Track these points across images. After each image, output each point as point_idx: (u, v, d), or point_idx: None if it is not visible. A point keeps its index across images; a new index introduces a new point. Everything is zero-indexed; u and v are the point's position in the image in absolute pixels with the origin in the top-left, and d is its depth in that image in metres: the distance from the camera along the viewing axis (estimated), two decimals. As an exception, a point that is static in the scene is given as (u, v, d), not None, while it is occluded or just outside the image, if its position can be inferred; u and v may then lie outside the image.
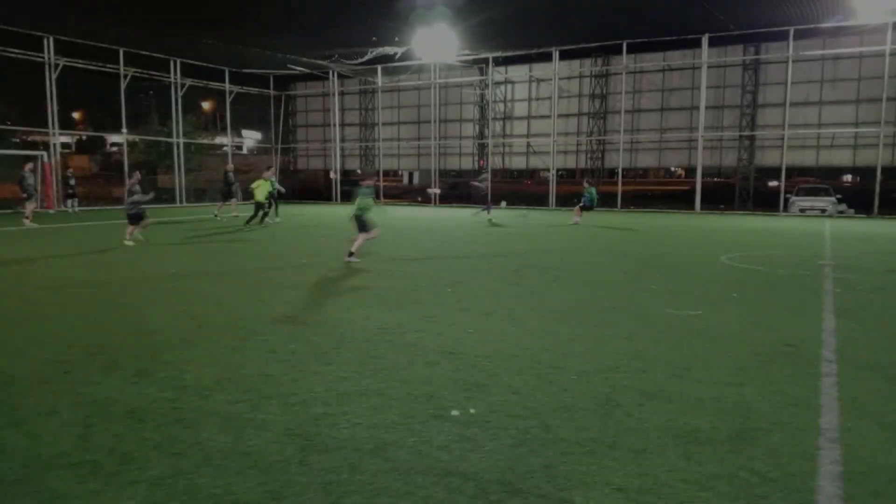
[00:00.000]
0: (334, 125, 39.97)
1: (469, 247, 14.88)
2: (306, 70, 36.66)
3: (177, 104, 34.29)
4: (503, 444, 3.82)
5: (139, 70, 32.10)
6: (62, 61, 28.94)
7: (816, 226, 22.14)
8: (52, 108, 28.80)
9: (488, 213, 23.64)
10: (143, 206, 14.95)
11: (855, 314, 7.55)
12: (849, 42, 27.56)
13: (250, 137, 46.58)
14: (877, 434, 4.02)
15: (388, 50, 31.65)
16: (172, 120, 34.20)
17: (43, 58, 28.43)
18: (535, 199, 34.51)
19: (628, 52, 31.36)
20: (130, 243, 14.60)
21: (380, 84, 37.97)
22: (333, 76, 38.68)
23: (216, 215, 23.58)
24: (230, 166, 24.61)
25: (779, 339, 6.33)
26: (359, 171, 39.18)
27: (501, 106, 36.02)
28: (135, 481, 3.34)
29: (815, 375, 5.17)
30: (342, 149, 40.42)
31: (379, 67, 36.05)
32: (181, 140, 34.48)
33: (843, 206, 28.46)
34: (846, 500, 3.19)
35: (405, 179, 54.30)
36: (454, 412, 4.32)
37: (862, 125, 27.88)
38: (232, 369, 5.27)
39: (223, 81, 36.99)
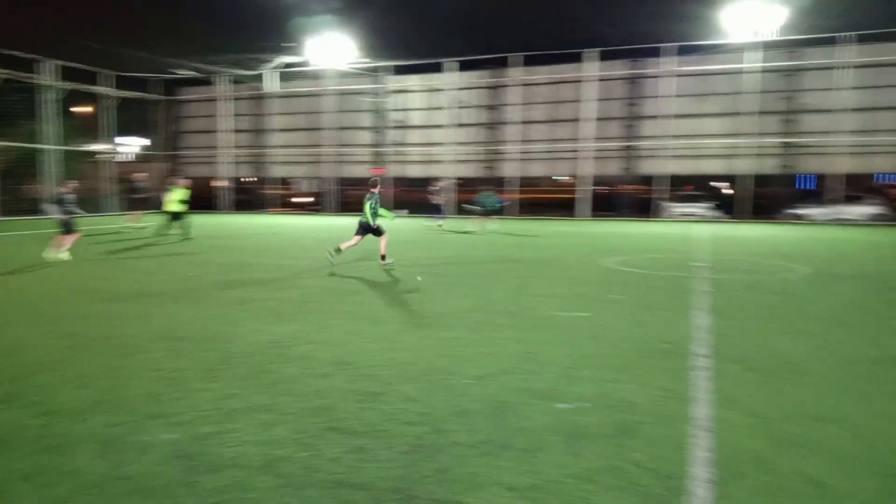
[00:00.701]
0: (223, 131, 38.62)
1: (362, 256, 14.78)
2: (193, 75, 35.27)
3: (50, 108, 31.98)
4: (397, 452, 3.82)
5: (9, 72, 29.71)
6: None
7: (692, 230, 23.67)
8: None
9: (441, 221, 24.42)
10: (72, 216, 13.95)
11: (726, 312, 8.12)
12: (720, 59, 29.73)
13: (133, 144, 44.20)
14: (744, 421, 4.35)
15: (283, 59, 31.11)
16: (48, 125, 31.83)
17: None
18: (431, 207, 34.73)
19: (519, 64, 32.35)
20: (65, 256, 13.60)
21: (270, 90, 37.10)
22: (222, 81, 37.42)
23: (143, 226, 22.20)
24: (140, 175, 23.23)
25: (657, 337, 6.71)
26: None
27: (398, 114, 36.12)
28: (-3, 516, 3.09)
29: (690, 370, 5.52)
30: (233, 155, 39.11)
31: (266, 73, 35.27)
32: (53, 147, 32.16)
33: (717, 212, 30.63)
34: (715, 483, 3.43)
35: (303, 187, 53.20)
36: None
37: (732, 136, 30.10)
38: (111, 390, 4.97)
39: (103, 85, 34.86)
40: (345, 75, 35.37)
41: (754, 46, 28.69)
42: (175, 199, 18.63)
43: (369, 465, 3.65)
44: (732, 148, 30.22)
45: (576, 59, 31.60)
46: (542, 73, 32.98)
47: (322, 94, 36.30)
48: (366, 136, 36.89)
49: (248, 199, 39.16)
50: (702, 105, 30.78)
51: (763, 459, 3.75)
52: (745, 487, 3.40)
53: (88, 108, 38.49)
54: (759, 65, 29.02)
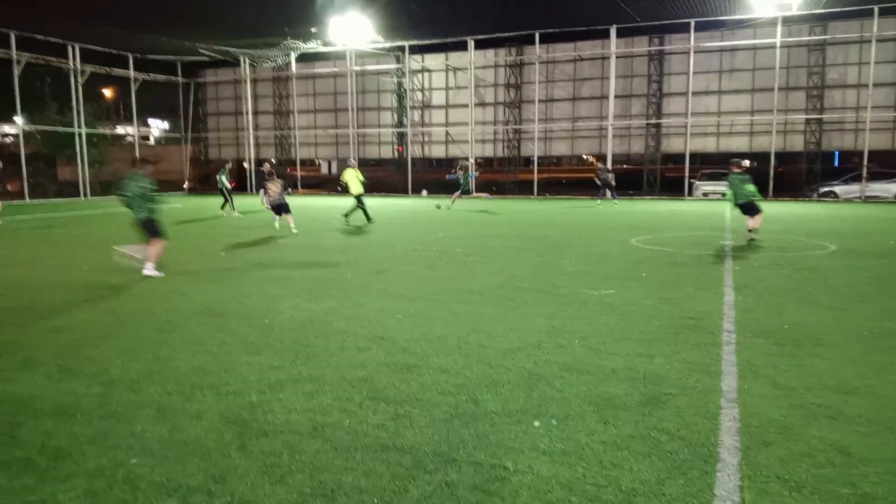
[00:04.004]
0: (247, 113, 38.94)
1: (390, 234, 15.00)
2: (217, 57, 35.46)
3: (77, 91, 32.43)
4: (436, 420, 4.02)
5: (35, 56, 30.12)
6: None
7: (718, 208, 23.52)
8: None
9: (613, 198, 26.26)
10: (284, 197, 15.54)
11: (751, 288, 8.20)
12: (744, 35, 29.28)
13: (157, 127, 44.77)
14: (769, 392, 4.48)
15: (305, 41, 31.32)
16: (73, 108, 32.32)
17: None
18: (453, 186, 34.86)
19: (541, 42, 32.11)
20: (295, 230, 15.32)
21: (294, 71, 37.26)
22: (245, 63, 37.64)
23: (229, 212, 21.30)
24: (266, 165, 19.79)
25: (684, 313, 6.83)
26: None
27: (419, 94, 36.11)
28: (72, 474, 3.34)
29: (717, 344, 5.65)
30: (256, 137, 39.46)
31: (289, 55, 35.41)
32: (84, 130, 32.67)
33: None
34: (743, 450, 3.58)
35: (324, 169, 53.63)
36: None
37: (756, 113, 29.72)
38: (159, 362, 5.23)
39: (127, 68, 35.21)
40: (366, 56, 35.35)
41: (779, 21, 28.17)
42: (357, 180, 17.50)
43: (411, 430, 3.85)
44: (757, 125, 29.86)
45: (598, 35, 31.27)
46: (565, 50, 32.71)
47: (344, 75, 36.37)
48: (388, 117, 36.96)
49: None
50: (726, 81, 30.38)
51: (788, 427, 3.89)
52: (773, 454, 3.54)
53: (113, 91, 39.00)
54: (784, 39, 28.53)
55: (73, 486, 3.22)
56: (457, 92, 35.02)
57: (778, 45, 28.50)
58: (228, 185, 21.31)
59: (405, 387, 4.61)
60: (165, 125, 43.09)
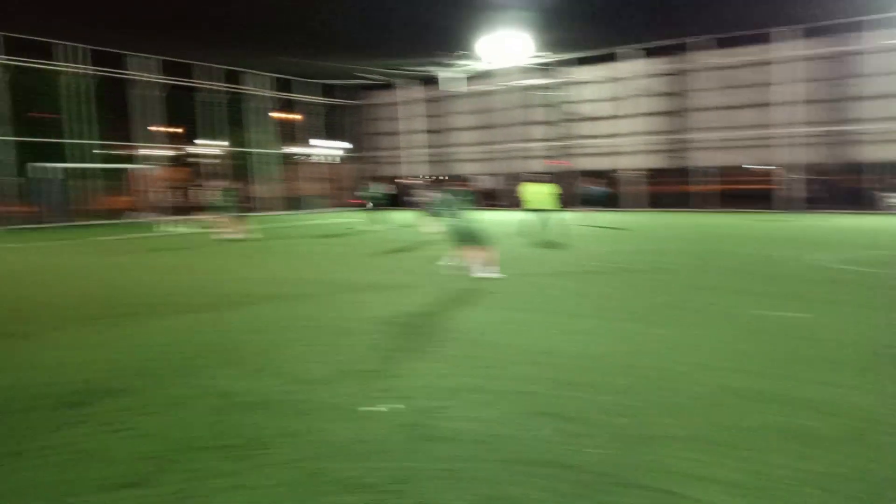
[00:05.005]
0: (407, 132, 40.71)
1: (547, 250, 14.86)
2: (379, 80, 37.83)
3: (260, 115, 36.13)
4: (605, 440, 3.91)
5: (231, 86, 34.17)
6: (146, 77, 31.02)
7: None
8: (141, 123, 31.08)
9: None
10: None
11: (969, 316, 7.18)
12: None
13: (330, 147, 48.02)
14: None
15: (461, 60, 32.46)
16: (257, 131, 36.12)
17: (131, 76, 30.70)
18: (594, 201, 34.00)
19: (703, 48, 30.53)
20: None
21: (450, 90, 38.32)
22: (406, 84, 39.43)
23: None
24: (418, 179, 18.44)
25: (883, 342, 6.11)
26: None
27: (578, 107, 35.66)
28: (266, 464, 3.65)
29: (931, 378, 5.00)
30: (420, 154, 41.09)
31: (445, 74, 36.61)
32: (273, 150, 36.46)
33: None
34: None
35: (484, 184, 54.59)
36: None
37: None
38: (343, 365, 5.56)
39: (296, 93, 38.73)
40: (523, 71, 35.56)
41: None
42: (532, 193, 17.22)
43: (580, 449, 3.78)
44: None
45: (770, 39, 29.15)
46: (732, 55, 30.72)
47: (502, 91, 36.86)
48: (547, 131, 36.84)
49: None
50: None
51: None
52: None
53: (287, 114, 42.82)
54: None
55: (267, 476, 3.51)
56: (613, 103, 34.20)
57: None
58: (383, 199, 22.88)
59: (573, 404, 4.53)
60: (338, 145, 46.21)
